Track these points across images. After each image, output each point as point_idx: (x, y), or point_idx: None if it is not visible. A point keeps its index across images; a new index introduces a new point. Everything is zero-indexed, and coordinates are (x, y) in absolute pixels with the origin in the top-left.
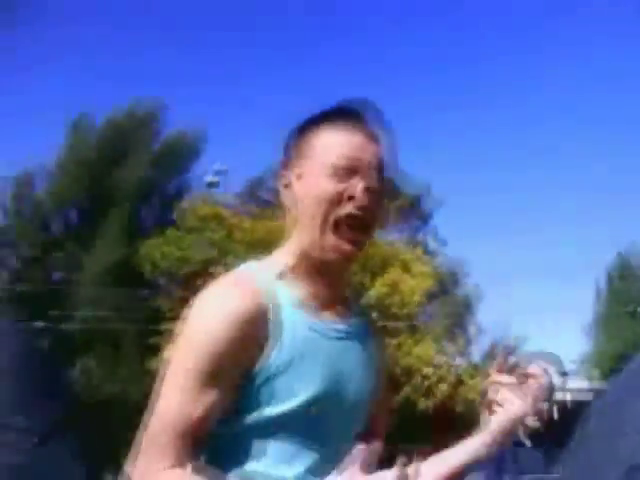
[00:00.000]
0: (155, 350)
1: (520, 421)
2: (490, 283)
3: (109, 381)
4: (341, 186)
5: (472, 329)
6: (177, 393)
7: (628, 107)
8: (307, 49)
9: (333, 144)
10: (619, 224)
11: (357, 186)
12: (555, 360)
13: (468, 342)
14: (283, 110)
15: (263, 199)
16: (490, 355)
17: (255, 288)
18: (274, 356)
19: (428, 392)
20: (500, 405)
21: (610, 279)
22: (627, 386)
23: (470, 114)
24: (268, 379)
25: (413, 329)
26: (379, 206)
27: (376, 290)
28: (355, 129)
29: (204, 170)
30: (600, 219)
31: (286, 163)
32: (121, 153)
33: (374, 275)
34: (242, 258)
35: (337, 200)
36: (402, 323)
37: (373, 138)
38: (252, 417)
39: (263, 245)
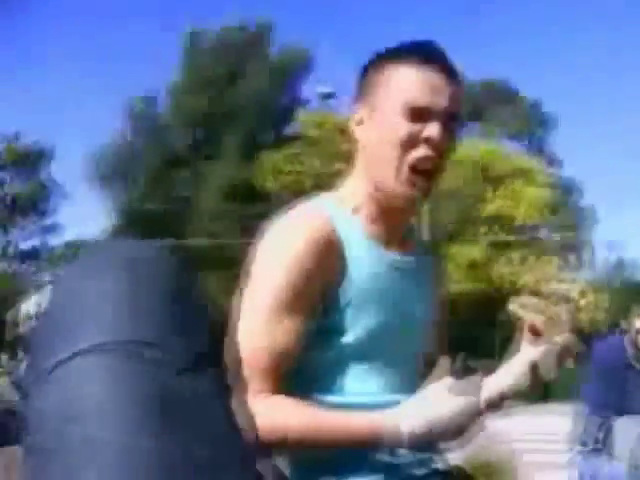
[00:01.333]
0: None
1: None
2: (604, 203)
3: (229, 300)
4: (417, 127)
5: (591, 243)
6: (266, 315)
7: None
8: None
9: (411, 82)
10: None
11: (434, 128)
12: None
13: (590, 255)
14: (380, 36)
15: None
16: (616, 270)
17: (328, 217)
18: (345, 286)
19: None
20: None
21: None
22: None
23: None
24: (337, 308)
25: (535, 242)
26: (450, 150)
27: (497, 202)
28: (434, 68)
29: (312, 88)
30: None
31: (359, 97)
32: (236, 69)
33: (495, 186)
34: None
35: (412, 143)
36: (524, 236)
37: (451, 79)
38: (322, 344)
39: None
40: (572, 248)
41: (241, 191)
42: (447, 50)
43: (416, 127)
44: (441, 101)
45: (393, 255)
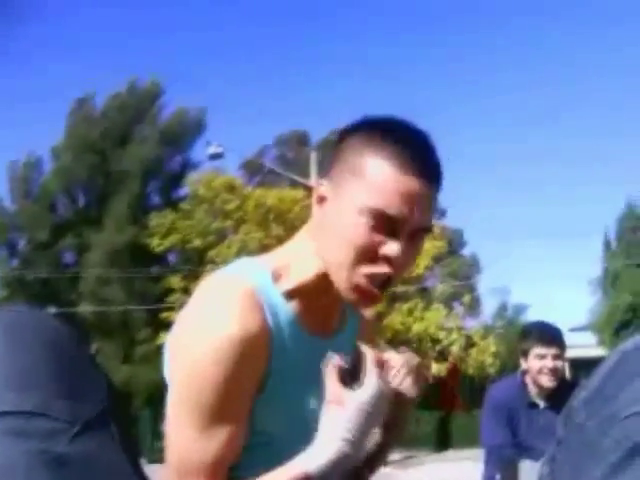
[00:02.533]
0: (167, 326)
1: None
2: (491, 245)
3: (124, 362)
4: (378, 239)
5: (480, 289)
6: (190, 432)
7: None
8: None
9: (386, 183)
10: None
11: (396, 247)
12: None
13: (477, 303)
14: (273, 92)
15: (269, 168)
16: (499, 315)
17: (256, 302)
18: (268, 378)
19: (440, 356)
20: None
21: (620, 231)
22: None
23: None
24: (260, 401)
25: (423, 293)
26: (413, 261)
27: None
28: (411, 173)
29: (203, 147)
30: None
31: (329, 171)
32: (124, 131)
33: None
34: (256, 228)
35: (370, 254)
36: (412, 287)
37: (428, 187)
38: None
39: (275, 214)
40: (458, 296)
41: (129, 254)
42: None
43: (378, 238)
44: (414, 214)
45: (318, 338)
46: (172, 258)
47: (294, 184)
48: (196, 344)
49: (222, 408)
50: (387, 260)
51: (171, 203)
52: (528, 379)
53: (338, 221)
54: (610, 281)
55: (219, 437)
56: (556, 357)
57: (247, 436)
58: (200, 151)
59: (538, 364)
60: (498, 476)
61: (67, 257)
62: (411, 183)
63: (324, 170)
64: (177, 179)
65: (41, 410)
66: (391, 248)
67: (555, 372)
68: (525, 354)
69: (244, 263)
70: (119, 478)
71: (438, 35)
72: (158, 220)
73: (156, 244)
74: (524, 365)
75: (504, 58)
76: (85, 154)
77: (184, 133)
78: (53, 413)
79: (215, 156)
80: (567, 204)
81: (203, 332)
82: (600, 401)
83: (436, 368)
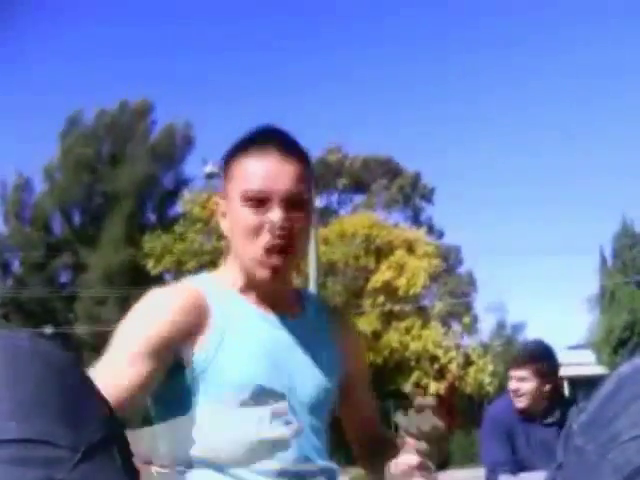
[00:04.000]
0: None
1: None
2: (488, 263)
3: None
4: (258, 218)
5: (477, 307)
6: (118, 356)
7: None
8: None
9: (247, 171)
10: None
11: (273, 216)
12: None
13: (474, 321)
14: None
15: None
16: (497, 333)
17: (196, 289)
18: (207, 340)
19: (438, 375)
20: None
21: (617, 249)
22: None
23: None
24: (202, 368)
25: (420, 311)
26: (302, 226)
27: (382, 273)
28: (269, 153)
29: (196, 163)
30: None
31: (221, 191)
32: (117, 149)
33: (379, 257)
34: None
35: (257, 230)
36: (409, 305)
37: (289, 161)
38: (186, 406)
39: None
40: (456, 314)
41: (125, 274)
42: (294, 131)
43: (258, 214)
44: (278, 185)
45: (268, 314)
46: (168, 277)
47: None
48: (139, 305)
49: (144, 348)
50: (274, 230)
51: (166, 221)
52: None
53: (231, 221)
54: (607, 299)
55: (136, 370)
56: (520, 379)
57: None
58: (193, 166)
59: (510, 385)
60: None
61: (63, 276)
62: (266, 161)
63: (220, 190)
64: (171, 196)
65: (43, 438)
66: (269, 216)
67: (517, 393)
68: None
69: (197, 276)
70: None
71: (410, 62)
72: (151, 243)
73: (151, 266)
74: None
75: (497, 73)
76: (80, 173)
77: (174, 149)
78: (55, 440)
79: (211, 175)
80: (563, 222)
81: (146, 299)
82: (599, 425)
83: (434, 386)
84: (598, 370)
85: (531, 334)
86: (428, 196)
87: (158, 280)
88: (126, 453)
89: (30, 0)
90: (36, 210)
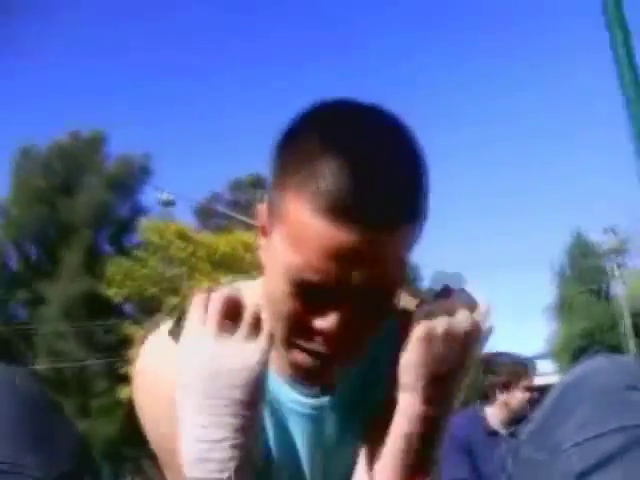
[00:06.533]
0: (126, 380)
1: None
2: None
3: (81, 416)
4: (309, 309)
5: None
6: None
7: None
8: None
9: (304, 243)
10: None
11: (329, 322)
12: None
13: None
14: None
15: (222, 213)
16: None
17: None
18: None
19: None
20: None
21: (571, 259)
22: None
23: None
24: None
25: None
26: (365, 335)
27: None
28: (349, 221)
29: (152, 192)
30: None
31: (265, 208)
32: (70, 180)
33: None
34: (209, 275)
35: (302, 326)
36: None
37: (375, 234)
38: None
39: (228, 260)
40: None
41: (84, 305)
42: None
43: (307, 308)
44: (350, 275)
45: (303, 397)
46: (128, 308)
47: (249, 228)
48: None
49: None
50: (322, 334)
51: (123, 250)
52: (493, 409)
53: (268, 274)
54: (565, 308)
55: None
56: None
57: None
58: (149, 195)
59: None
60: None
61: (19, 312)
62: (342, 235)
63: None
64: (127, 225)
65: (14, 468)
66: (323, 321)
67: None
68: (507, 386)
69: None
70: None
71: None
72: (113, 269)
73: (113, 293)
74: (501, 396)
75: (465, 93)
76: (34, 206)
77: (130, 179)
78: (25, 470)
79: (167, 203)
80: (517, 235)
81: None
82: (545, 433)
83: None
84: (558, 379)
85: (490, 346)
86: None
87: (119, 309)
88: None
89: None
90: None
